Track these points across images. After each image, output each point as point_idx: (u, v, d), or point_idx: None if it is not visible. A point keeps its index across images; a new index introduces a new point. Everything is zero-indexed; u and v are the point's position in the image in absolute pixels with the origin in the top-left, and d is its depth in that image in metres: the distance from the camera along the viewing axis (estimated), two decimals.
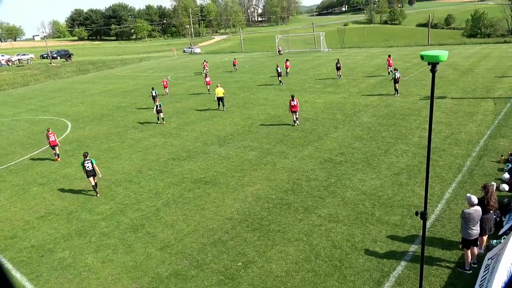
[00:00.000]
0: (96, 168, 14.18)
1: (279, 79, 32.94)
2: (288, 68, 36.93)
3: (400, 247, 9.23)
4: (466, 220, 7.95)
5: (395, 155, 14.90)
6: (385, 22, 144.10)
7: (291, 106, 19.90)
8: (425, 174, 5.86)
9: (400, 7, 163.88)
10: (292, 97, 19.90)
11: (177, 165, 16.50)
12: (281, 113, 23.21)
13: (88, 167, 14.00)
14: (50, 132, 19.11)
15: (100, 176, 14.59)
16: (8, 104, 39.91)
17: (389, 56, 31.72)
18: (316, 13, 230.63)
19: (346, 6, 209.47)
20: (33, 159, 19.99)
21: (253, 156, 16.57)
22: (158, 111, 23.84)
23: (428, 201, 6.23)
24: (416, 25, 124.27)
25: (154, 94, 28.20)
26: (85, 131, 24.51)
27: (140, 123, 24.83)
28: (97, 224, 12.11)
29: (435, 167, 13.27)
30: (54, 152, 19.32)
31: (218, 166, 15.90)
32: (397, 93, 24.62)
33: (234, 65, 46.57)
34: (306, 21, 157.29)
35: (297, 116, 20.34)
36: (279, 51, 59.51)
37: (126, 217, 12.34)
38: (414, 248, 9.15)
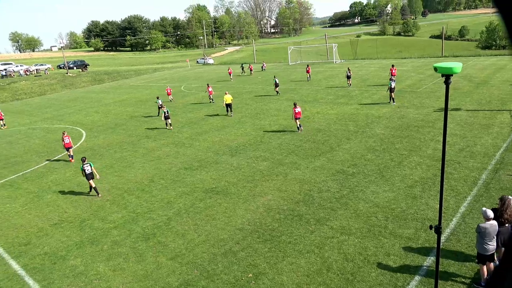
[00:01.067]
0: (95, 170, 15.25)
1: (276, 89, 33.88)
2: (309, 73, 40.79)
3: (414, 261, 9.06)
4: (482, 234, 7.77)
5: (408, 167, 14.72)
6: (398, 34, 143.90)
7: (296, 113, 20.75)
8: (439, 187, 5.77)
9: (413, 18, 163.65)
10: (295, 104, 20.90)
11: (189, 175, 16.57)
12: (293, 124, 23.18)
13: (87, 170, 14.96)
14: (65, 135, 20.33)
15: (98, 177, 15.38)
16: (25, 113, 40.77)
17: (393, 66, 32.30)
18: (329, 24, 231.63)
19: (359, 17, 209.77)
20: (48, 167, 20.30)
21: (264, 166, 16.55)
22: (166, 117, 25.13)
23: (442, 214, 6.12)
24: (430, 37, 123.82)
25: (159, 103, 29.96)
26: (99, 140, 24.85)
27: (151, 128, 25.08)
28: (109, 233, 12.19)
29: (449, 180, 13.05)
30: (69, 154, 20.69)
31: (229, 176, 15.91)
32: (393, 102, 25.49)
33: (251, 70, 53.30)
34: (319, 33, 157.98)
35: (300, 124, 21.28)
36: (262, 67, 57.77)
37: (138, 226, 12.40)
38: (428, 262, 8.96)
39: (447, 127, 5.43)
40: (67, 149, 20.43)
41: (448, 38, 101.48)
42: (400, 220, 10.96)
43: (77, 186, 16.83)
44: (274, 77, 35.52)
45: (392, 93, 25.40)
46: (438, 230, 5.94)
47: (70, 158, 20.69)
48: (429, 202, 11.85)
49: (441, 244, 6.43)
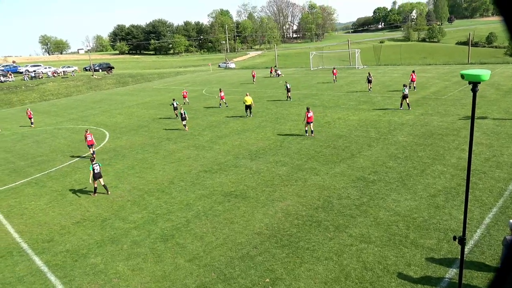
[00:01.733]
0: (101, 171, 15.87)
1: (288, 95, 34.07)
2: (335, 75, 42.50)
3: (436, 273, 8.82)
4: (507, 247, 7.50)
5: (432, 176, 14.39)
6: (423, 40, 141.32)
7: (308, 118, 21.04)
8: (464, 197, 5.62)
9: (439, 24, 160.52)
10: (308, 109, 21.23)
11: (209, 178, 16.67)
12: (313, 129, 23.05)
13: (96, 169, 15.54)
14: (88, 132, 21.40)
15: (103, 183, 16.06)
16: (52, 113, 42.00)
17: (413, 71, 32.77)
18: (352, 30, 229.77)
19: (383, 23, 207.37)
20: (72, 166, 20.82)
21: (284, 171, 16.49)
22: (183, 119, 25.90)
23: (466, 225, 5.94)
24: (456, 43, 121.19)
25: (175, 105, 30.81)
26: (121, 141, 25.33)
27: (172, 130, 25.39)
28: (129, 233, 12.37)
29: (474, 190, 12.68)
30: (91, 150, 21.59)
31: (248, 180, 15.93)
32: (409, 107, 25.78)
33: (271, 72, 56.00)
34: (341, 38, 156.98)
35: (312, 129, 21.57)
36: (277, 73, 56.89)
37: (157, 227, 12.54)
38: (450, 274, 8.71)
39: (473, 135, 5.28)
40: (90, 146, 21.28)
41: (475, 44, 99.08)
42: (422, 230, 10.71)
43: (99, 185, 17.16)
44: (286, 82, 36.02)
45: (406, 99, 25.57)
46: (462, 241, 5.78)
47: (93, 155, 21.35)
48: (452, 212, 11.54)
49: (464, 255, 6.24)
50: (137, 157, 21.20)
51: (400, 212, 11.83)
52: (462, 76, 4.97)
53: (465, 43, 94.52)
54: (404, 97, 25.49)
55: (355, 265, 9.41)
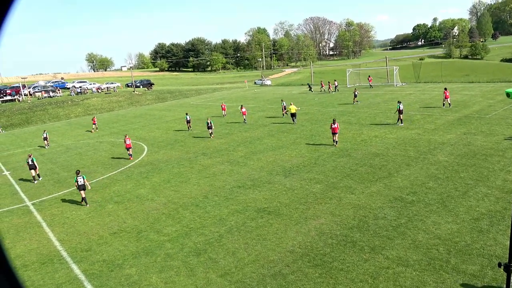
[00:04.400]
0: (87, 182, 17.15)
1: (284, 112, 35.88)
2: (370, 82, 46.13)
3: None
4: None
5: (475, 198, 13.69)
6: (466, 57, 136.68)
7: (332, 129, 22.92)
8: (510, 222, 5.30)
9: (482, 41, 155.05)
10: (334, 120, 22.94)
11: (242, 193, 16.72)
12: (349, 146, 22.70)
13: (80, 182, 16.82)
14: (127, 137, 25.10)
15: (89, 188, 17.62)
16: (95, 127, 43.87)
17: (446, 89, 33.17)
18: (390, 47, 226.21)
19: (423, 40, 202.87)
20: (111, 178, 21.55)
21: (318, 189, 16.26)
22: (209, 127, 29.55)
23: None
24: (501, 60, 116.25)
25: (188, 118, 34.14)
26: (159, 155, 26.01)
27: (207, 146, 25.77)
28: (163, 245, 12.56)
29: None
30: (129, 153, 25.20)
31: (282, 197, 15.82)
32: (401, 123, 27.18)
33: (322, 86, 56.38)
34: (379, 55, 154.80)
35: (337, 139, 23.21)
36: (309, 87, 60.14)
37: (190, 241, 12.66)
38: None
39: None
40: (127, 149, 24.92)
41: None
42: (464, 254, 10.15)
43: (136, 198, 17.65)
44: (282, 100, 38.13)
45: (401, 115, 27.03)
46: (508, 268, 5.42)
47: (130, 157, 25.25)
48: (497, 237, 10.88)
49: (510, 284, 5.84)
50: (173, 171, 21.64)
51: (441, 235, 11.29)
52: (508, 95, 4.76)
53: (510, 60, 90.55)
54: (400, 112, 26.89)
55: None
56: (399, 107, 26.93)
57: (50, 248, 13.33)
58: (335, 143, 23.18)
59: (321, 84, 56.90)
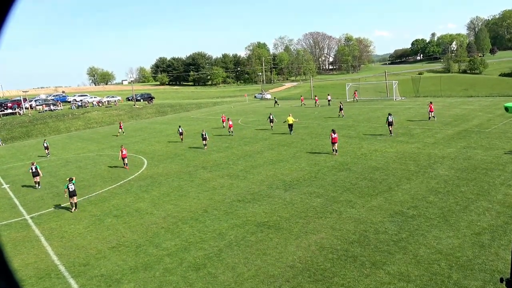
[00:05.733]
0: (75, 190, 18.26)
1: (271, 125, 37.89)
2: (356, 97, 45.33)
3: None
4: None
5: (476, 213, 13.61)
6: (464, 72, 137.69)
7: (333, 138, 24.10)
8: (511, 237, 5.26)
9: (480, 56, 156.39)
10: (333, 131, 24.17)
11: (242, 207, 16.63)
12: (349, 160, 22.68)
13: (71, 188, 17.88)
14: (123, 147, 26.93)
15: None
16: (95, 140, 43.96)
17: (431, 102, 35.37)
18: (389, 62, 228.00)
19: (421, 55, 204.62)
20: (110, 192, 21.47)
21: (318, 203, 16.19)
22: (204, 139, 30.84)
23: None
24: (499, 75, 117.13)
25: (180, 130, 35.88)
26: (159, 168, 25.96)
27: (207, 159, 25.73)
28: (162, 260, 12.44)
29: None
30: (125, 162, 26.59)
31: (282, 211, 15.73)
32: (390, 134, 28.74)
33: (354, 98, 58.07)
34: (378, 70, 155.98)
35: (336, 148, 24.37)
36: (275, 102, 64.98)
37: (190, 255, 12.54)
38: None
39: None
40: (123, 159, 26.42)
41: None
42: (466, 270, 10.04)
43: (135, 211, 17.55)
44: (270, 113, 39.50)
45: (390, 127, 28.59)
46: (510, 283, 5.34)
47: (126, 166, 26.57)
48: (499, 252, 10.78)
49: None
50: (173, 184, 21.58)
51: (442, 250, 11.19)
52: (507, 109, 4.78)
53: (509, 75, 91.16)
54: (390, 124, 28.40)
55: None
56: (388, 119, 28.50)
57: (47, 262, 13.19)
58: (334, 152, 24.30)
59: (315, 99, 58.85)
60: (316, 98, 57.99)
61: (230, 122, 37.56)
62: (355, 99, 56.58)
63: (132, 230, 15.29)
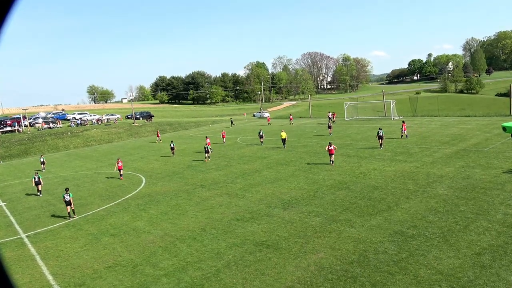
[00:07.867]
0: (71, 200, 19.70)
1: (261, 140, 40.61)
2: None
3: None
4: None
5: (475, 232, 13.53)
6: (461, 91, 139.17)
7: (329, 150, 26.54)
8: None
9: (477, 76, 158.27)
10: (330, 143, 26.83)
11: (240, 226, 16.49)
12: (348, 179, 22.64)
13: (67, 198, 19.44)
14: (119, 160, 29.49)
15: (73, 208, 19.96)
16: (93, 158, 43.87)
17: (403, 122, 37.66)
18: (387, 81, 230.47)
19: (418, 75, 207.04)
20: (108, 210, 21.30)
21: (317, 222, 16.07)
22: (206, 151, 33.59)
23: None
24: (496, 95, 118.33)
25: (172, 146, 38.48)
26: (157, 187, 25.83)
27: (206, 178, 25.65)
28: (159, 280, 12.25)
29: None
30: (120, 173, 29.20)
31: (281, 230, 15.60)
32: (381, 147, 31.14)
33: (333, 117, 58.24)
34: (376, 89, 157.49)
35: (333, 159, 26.87)
36: (231, 122, 70.18)
37: (187, 275, 12.36)
38: None
39: None
40: (119, 170, 28.86)
41: None
42: None
43: (133, 230, 17.38)
44: (260, 130, 41.82)
45: (381, 140, 31.17)
46: None
47: (121, 177, 29.20)
48: (500, 272, 10.66)
49: None
50: (171, 203, 21.44)
51: (443, 271, 11.07)
52: (504, 129, 4.81)
53: (505, 95, 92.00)
54: (380, 137, 30.96)
55: None
56: (379, 133, 30.97)
57: (42, 282, 12.97)
58: (331, 162, 26.79)
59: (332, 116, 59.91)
60: (334, 114, 60.05)
61: (208, 141, 38.50)
62: (333, 120, 57.59)
63: (129, 249, 15.11)
